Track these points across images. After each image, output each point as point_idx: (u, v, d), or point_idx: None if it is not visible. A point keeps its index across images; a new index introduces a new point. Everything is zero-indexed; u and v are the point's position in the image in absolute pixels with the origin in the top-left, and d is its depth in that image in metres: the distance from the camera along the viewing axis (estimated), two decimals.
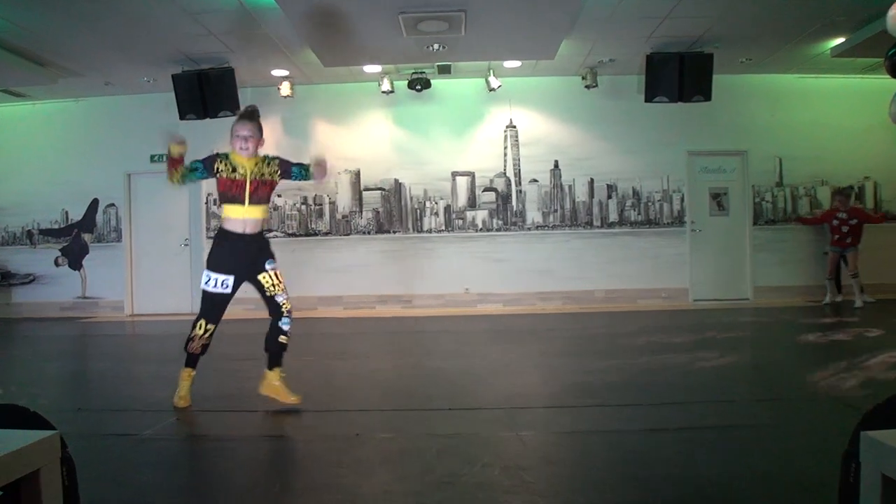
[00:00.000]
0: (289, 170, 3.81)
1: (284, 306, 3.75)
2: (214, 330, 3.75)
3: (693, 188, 9.47)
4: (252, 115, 3.74)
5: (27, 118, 9.75)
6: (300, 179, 3.87)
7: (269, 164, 3.76)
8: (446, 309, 9.22)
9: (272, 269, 3.74)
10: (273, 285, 3.73)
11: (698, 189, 9.51)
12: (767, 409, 3.55)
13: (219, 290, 3.67)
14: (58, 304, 9.70)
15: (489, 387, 4.25)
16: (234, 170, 3.65)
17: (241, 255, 3.68)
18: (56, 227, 9.80)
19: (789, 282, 9.31)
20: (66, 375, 5.40)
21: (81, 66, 8.08)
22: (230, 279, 3.67)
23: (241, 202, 3.64)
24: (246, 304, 8.90)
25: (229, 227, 3.68)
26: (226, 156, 3.69)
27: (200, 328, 3.71)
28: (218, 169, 3.65)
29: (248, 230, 3.69)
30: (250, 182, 3.64)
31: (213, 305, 3.71)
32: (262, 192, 3.69)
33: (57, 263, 9.78)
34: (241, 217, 3.66)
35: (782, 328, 6.98)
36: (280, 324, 3.75)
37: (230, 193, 3.65)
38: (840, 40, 7.79)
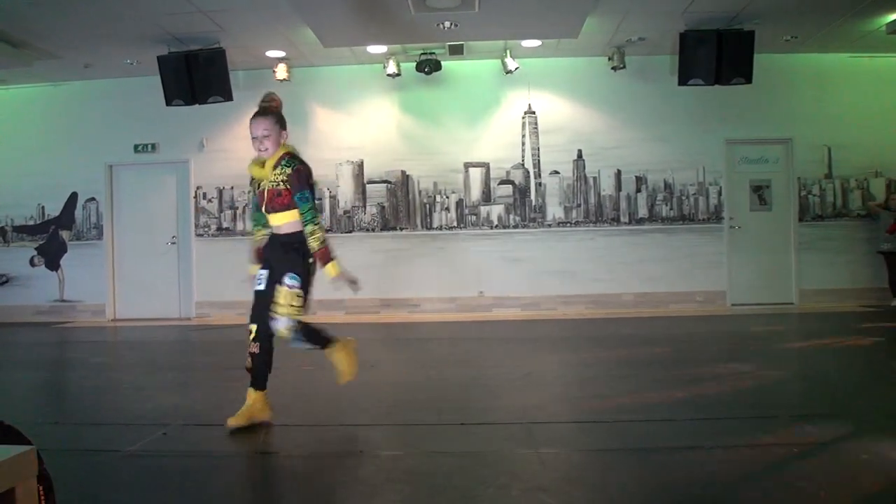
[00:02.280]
0: (294, 196, 3.58)
1: (278, 333, 3.57)
2: (257, 334, 3.64)
3: (732, 180, 9.41)
4: (265, 110, 3.66)
5: (0, 104, 9.85)
6: (304, 218, 3.59)
7: (282, 170, 3.59)
8: (458, 314, 9.22)
9: (289, 285, 3.57)
10: (278, 305, 3.54)
11: (737, 181, 9.45)
12: (814, 427, 3.51)
13: (254, 285, 3.76)
14: (33, 307, 9.79)
15: (505, 400, 4.25)
16: (257, 182, 3.73)
17: (267, 249, 3.79)
18: (31, 223, 9.89)
19: (839, 284, 9.23)
20: (42, 385, 5.45)
21: (58, 48, 8.15)
22: (264, 273, 3.73)
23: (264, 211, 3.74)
24: (238, 309, 9.00)
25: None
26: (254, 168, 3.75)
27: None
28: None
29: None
30: (267, 191, 3.66)
31: (253, 301, 3.73)
32: (277, 202, 3.62)
33: (32, 263, 9.87)
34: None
35: (834, 335, 6.90)
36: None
37: (259, 205, 3.79)
38: None
